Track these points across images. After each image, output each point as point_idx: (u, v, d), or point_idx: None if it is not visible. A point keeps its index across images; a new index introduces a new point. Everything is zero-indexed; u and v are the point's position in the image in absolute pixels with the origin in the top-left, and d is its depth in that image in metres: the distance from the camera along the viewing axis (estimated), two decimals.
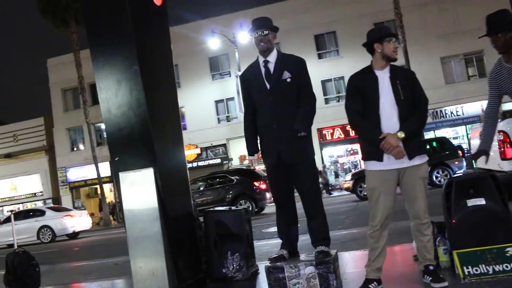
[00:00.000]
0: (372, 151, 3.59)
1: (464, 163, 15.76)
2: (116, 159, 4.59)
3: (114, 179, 4.64)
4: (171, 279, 4.36)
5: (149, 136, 4.45)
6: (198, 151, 31.53)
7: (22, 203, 33.96)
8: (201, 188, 17.82)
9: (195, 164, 31.00)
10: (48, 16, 29.20)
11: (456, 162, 15.80)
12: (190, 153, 31.13)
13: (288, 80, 4.05)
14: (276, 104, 4.03)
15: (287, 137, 3.97)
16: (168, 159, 4.72)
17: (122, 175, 4.53)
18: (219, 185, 17.68)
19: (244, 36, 24.50)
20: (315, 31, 30.15)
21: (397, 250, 5.36)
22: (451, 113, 27.87)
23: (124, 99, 4.51)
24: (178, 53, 29.95)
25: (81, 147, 34.64)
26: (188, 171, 5.19)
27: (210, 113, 31.68)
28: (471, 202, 3.89)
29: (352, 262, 5.09)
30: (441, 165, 15.82)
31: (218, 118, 32.00)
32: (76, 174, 33.83)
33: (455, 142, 22.83)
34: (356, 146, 26.90)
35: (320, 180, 27.23)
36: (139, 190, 4.45)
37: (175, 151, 4.96)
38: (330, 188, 26.34)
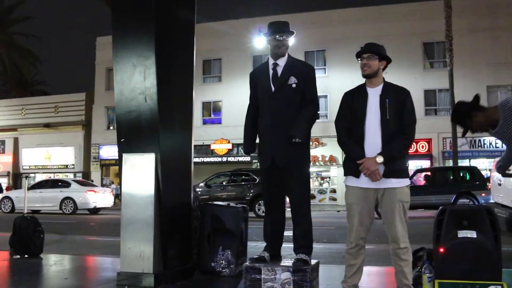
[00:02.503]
0: (351, 167, 3.58)
1: (491, 196, 15.24)
2: (122, 140, 4.70)
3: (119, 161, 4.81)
4: (156, 264, 4.45)
5: (156, 123, 4.54)
6: (229, 146, 31.64)
7: (54, 173, 34.88)
8: (224, 183, 17.89)
9: (224, 159, 31.16)
10: None
11: (483, 194, 15.04)
12: (221, 147, 31.35)
13: (294, 85, 4.04)
14: (278, 108, 4.02)
15: (283, 142, 3.95)
16: (172, 148, 4.80)
17: (125, 156, 4.65)
18: (242, 182, 17.73)
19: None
20: (362, 43, 29.57)
21: (384, 272, 5.33)
22: (490, 144, 27.10)
23: (137, 83, 4.61)
24: (223, 47, 30.25)
25: None
26: (192, 164, 5.24)
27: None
28: (462, 233, 3.84)
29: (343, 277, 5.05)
30: (467, 195, 15.30)
31: None
32: (108, 152, 34.47)
33: (490, 174, 22.07)
34: None
35: None
36: (139, 173, 4.56)
37: (182, 142, 5.03)
38: None
